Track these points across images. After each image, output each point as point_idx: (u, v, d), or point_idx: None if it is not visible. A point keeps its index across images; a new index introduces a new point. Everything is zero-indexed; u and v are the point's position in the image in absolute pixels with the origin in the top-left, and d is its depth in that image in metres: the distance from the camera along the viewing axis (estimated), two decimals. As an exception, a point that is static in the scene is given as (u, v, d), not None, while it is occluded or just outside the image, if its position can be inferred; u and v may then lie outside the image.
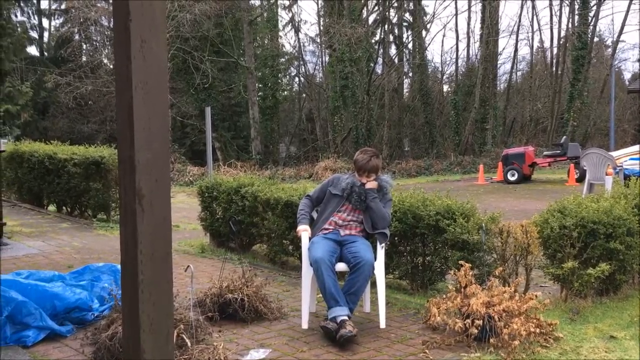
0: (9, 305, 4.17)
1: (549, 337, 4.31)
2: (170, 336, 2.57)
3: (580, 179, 17.37)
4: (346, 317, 4.35)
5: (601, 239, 5.06)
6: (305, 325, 4.67)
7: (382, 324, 4.69)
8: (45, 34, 37.21)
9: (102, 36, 32.94)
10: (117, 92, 2.45)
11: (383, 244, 4.78)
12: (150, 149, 2.42)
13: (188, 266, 4.03)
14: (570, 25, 32.25)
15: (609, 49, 36.90)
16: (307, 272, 4.71)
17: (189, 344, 3.75)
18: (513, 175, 19.89)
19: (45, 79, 26.54)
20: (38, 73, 29.03)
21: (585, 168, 13.56)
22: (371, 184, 4.85)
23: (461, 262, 4.61)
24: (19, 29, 27.52)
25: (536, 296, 4.40)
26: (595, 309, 5.09)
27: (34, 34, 35.35)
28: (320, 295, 4.76)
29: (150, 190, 2.44)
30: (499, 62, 35.48)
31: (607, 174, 11.90)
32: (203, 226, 8.02)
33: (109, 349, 3.85)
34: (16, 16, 33.23)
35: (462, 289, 4.44)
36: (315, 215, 5.13)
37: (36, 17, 36.06)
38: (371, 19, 33.92)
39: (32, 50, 34.76)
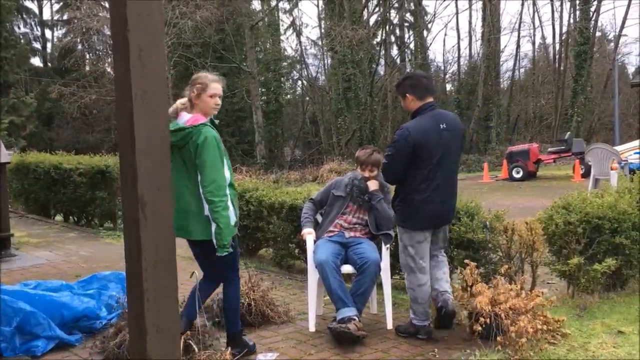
0: (18, 316, 4.19)
1: (557, 334, 4.30)
2: (177, 342, 2.59)
3: (586, 175, 17.33)
4: (355, 317, 4.35)
5: (606, 234, 5.05)
6: (312, 328, 4.68)
7: (389, 325, 4.70)
8: (49, 45, 37.47)
9: (104, 45, 33.10)
10: (117, 102, 2.47)
11: (388, 245, 4.79)
12: (151, 157, 2.43)
13: (193, 272, 4.06)
14: (571, 21, 32.26)
15: (612, 44, 36.85)
16: (312, 275, 4.72)
17: (196, 349, 3.76)
18: (518, 172, 19.85)
19: (49, 89, 26.68)
20: (42, 84, 29.21)
21: (590, 163, 13.53)
22: (373, 185, 4.87)
23: (467, 261, 4.61)
24: (22, 41, 27.67)
25: (543, 293, 4.39)
26: (603, 304, 5.08)
27: (37, 45, 35.62)
28: (327, 297, 4.77)
29: (152, 198, 2.45)
30: (501, 59, 35.56)
31: (612, 169, 11.88)
32: (209, 232, 8.03)
33: (118, 357, 3.87)
34: (19, 28, 33.46)
35: (469, 288, 4.44)
36: (320, 218, 5.15)
37: (39, 29, 36.31)
38: (372, 20, 33.98)
39: (36, 61, 35.02)
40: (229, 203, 3.78)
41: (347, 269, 4.66)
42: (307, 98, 37.73)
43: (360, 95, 29.51)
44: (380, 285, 4.88)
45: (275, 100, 31.86)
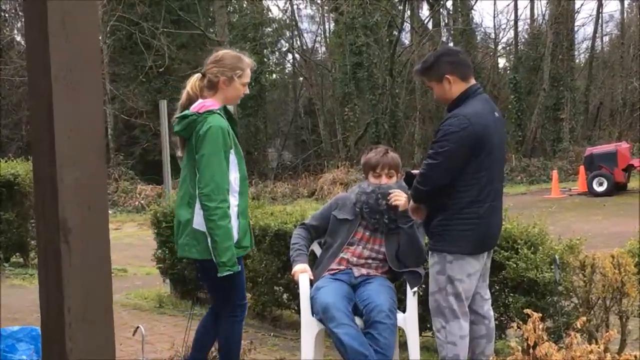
0: None
1: (656, 415, 4.30)
2: None
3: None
4: None
5: None
6: (308, 407, 4.67)
7: (418, 402, 4.69)
8: None
9: (12, 4, 33.18)
10: (30, 86, 2.48)
11: (415, 289, 4.78)
12: (78, 164, 2.44)
13: (137, 327, 4.06)
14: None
15: None
16: (308, 329, 4.71)
17: None
18: (601, 184, 19.86)
19: None
20: None
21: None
22: (399, 201, 4.80)
23: (527, 310, 4.61)
24: None
25: (636, 357, 4.39)
26: None
27: None
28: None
29: (80, 222, 2.45)
30: (576, 23, 35.57)
31: None
32: (160, 269, 8.04)
33: None
34: None
35: (531, 349, 4.44)
36: (318, 250, 5.16)
37: None
38: (393, -32, 34.13)
39: None
40: (232, 213, 4.27)
41: (357, 322, 4.64)
42: (301, 78, 37.82)
43: (377, 74, 29.60)
44: (404, 345, 4.87)
45: (256, 81, 31.91)
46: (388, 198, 4.82)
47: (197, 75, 4.52)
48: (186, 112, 4.32)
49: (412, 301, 4.74)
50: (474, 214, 4.34)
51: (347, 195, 5.16)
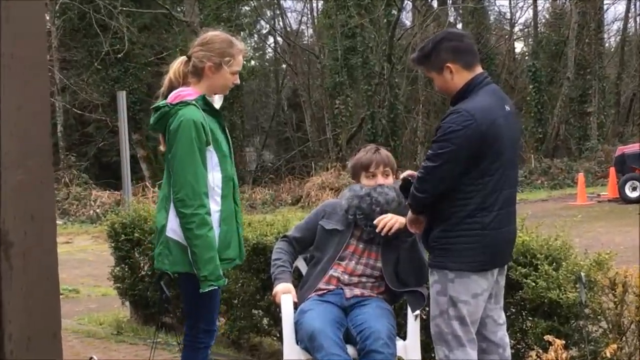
0: None
1: None
2: None
3: None
4: None
5: None
6: None
7: None
8: None
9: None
10: (-36, 74, 2.48)
11: (417, 312, 4.78)
12: (20, 166, 2.43)
13: (91, 358, 4.08)
14: None
15: None
16: (293, 357, 4.72)
17: None
18: (634, 188, 19.90)
19: None
20: None
21: None
22: (391, 226, 4.81)
23: (549, 336, 4.63)
24: None
25: (675, 390, 4.41)
26: None
27: None
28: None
29: (23, 235, 2.45)
30: (605, 1, 35.70)
31: None
32: (119, 290, 8.03)
33: None
34: None
35: (552, 382, 4.45)
36: (303, 267, 5.16)
37: None
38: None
39: None
40: (214, 219, 4.35)
41: (349, 351, 4.64)
42: (284, 66, 37.84)
43: (372, 60, 29.61)
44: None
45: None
46: (376, 227, 4.82)
47: (182, 59, 4.54)
48: (160, 103, 4.39)
49: (413, 326, 4.75)
50: (477, 224, 4.29)
51: (336, 202, 5.16)
